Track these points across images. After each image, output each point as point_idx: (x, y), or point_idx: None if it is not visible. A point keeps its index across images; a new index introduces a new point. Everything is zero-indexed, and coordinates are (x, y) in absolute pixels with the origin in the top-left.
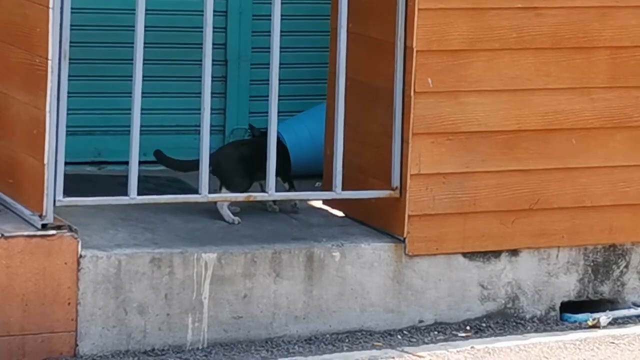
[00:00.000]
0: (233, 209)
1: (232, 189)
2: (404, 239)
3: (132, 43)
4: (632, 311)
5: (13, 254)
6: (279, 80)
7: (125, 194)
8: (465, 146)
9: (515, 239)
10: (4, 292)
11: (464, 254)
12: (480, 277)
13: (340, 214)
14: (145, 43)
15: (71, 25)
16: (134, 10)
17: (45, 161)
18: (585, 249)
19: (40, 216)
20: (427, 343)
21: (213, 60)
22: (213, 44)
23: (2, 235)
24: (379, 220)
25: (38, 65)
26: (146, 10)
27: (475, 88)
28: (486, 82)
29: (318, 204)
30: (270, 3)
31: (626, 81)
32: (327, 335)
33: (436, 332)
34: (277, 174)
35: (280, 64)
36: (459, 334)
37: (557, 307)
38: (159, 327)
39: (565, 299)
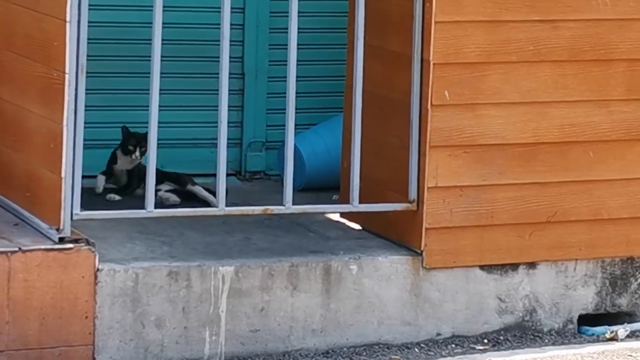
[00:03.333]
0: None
1: None
2: (422, 251)
3: (149, 56)
4: None
5: (30, 267)
6: (296, 93)
7: (143, 207)
8: (482, 159)
9: (532, 252)
10: (21, 305)
11: (482, 267)
12: (497, 290)
13: (357, 226)
14: (162, 56)
15: (88, 39)
16: (151, 23)
17: (63, 175)
18: (603, 262)
19: (58, 230)
20: (444, 356)
21: (230, 74)
22: (230, 57)
23: (20, 248)
24: (396, 233)
25: (55, 79)
26: (163, 23)
27: (492, 100)
28: (503, 94)
29: (335, 216)
30: (287, 16)
31: None
32: (345, 349)
33: (454, 345)
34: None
35: (297, 76)
36: (477, 347)
37: (575, 320)
38: (176, 341)
39: (583, 312)
